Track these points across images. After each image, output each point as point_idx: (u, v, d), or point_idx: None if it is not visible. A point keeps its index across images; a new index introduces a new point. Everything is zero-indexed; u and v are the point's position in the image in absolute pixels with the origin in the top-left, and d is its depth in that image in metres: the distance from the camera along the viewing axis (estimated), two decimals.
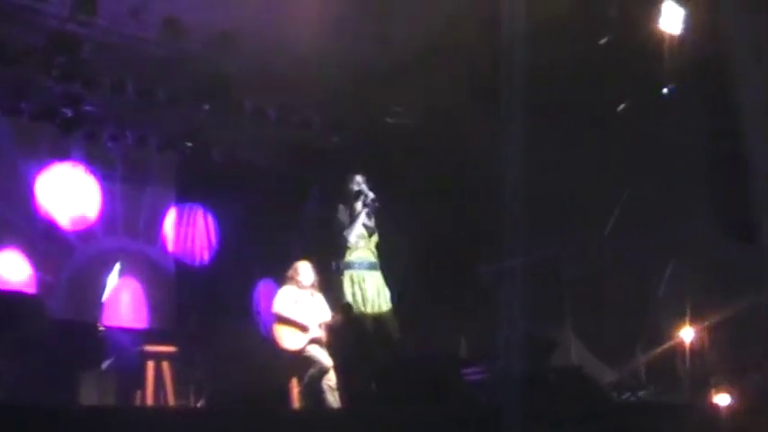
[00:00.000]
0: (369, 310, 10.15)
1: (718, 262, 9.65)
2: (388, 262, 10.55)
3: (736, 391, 8.61)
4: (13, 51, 10.93)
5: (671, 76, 10.03)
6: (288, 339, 10.17)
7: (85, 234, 12.90)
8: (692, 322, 9.78)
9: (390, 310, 10.25)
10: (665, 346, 10.03)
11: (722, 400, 8.55)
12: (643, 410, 8.59)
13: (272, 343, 10.33)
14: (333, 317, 10.27)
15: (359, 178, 10.50)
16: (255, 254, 13.31)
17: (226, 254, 13.94)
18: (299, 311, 10.25)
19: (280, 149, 13.79)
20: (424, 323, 11.43)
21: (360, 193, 10.38)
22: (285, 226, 13.31)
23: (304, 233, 13.04)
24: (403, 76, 11.91)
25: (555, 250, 10.83)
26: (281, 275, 10.81)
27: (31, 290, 11.84)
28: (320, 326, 10.24)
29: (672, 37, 9.94)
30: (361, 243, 10.30)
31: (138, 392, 10.61)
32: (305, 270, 10.55)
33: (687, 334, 9.82)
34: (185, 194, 13.96)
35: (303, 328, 10.16)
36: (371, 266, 10.29)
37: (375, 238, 10.43)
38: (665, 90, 10.12)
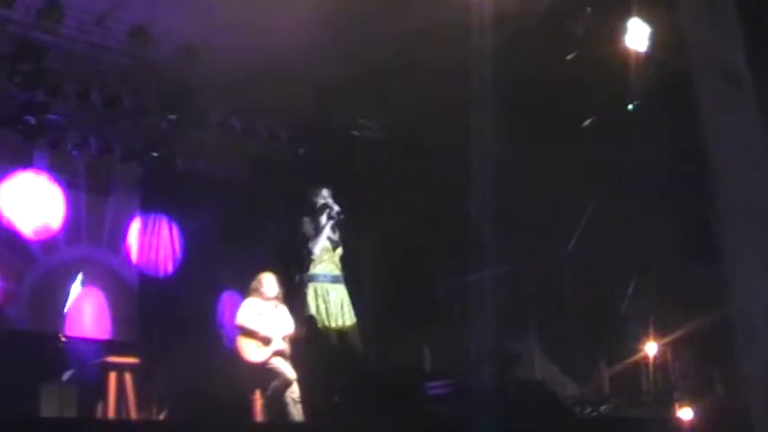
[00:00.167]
0: (332, 322, 10.12)
1: (680, 277, 9.71)
2: (352, 275, 10.53)
3: (698, 406, 8.65)
4: None
5: (636, 93, 10.09)
6: (251, 351, 10.13)
7: (48, 243, 12.77)
8: (656, 337, 9.83)
9: (354, 323, 10.23)
10: (629, 360, 10.07)
11: (685, 414, 8.58)
12: (606, 425, 8.62)
13: (235, 355, 10.27)
14: (296, 329, 10.23)
15: (324, 191, 10.48)
16: (220, 265, 13.24)
17: (190, 265, 13.85)
18: (262, 323, 10.21)
19: (245, 161, 13.76)
20: (387, 336, 11.42)
21: (325, 206, 10.36)
22: (250, 237, 13.27)
23: (268, 245, 12.98)
24: (368, 88, 11.92)
25: (519, 264, 10.86)
26: (245, 287, 10.76)
27: None
28: (284, 338, 10.21)
29: (637, 54, 10.01)
30: (325, 256, 10.28)
31: (100, 404, 10.48)
32: (269, 282, 10.51)
33: (650, 348, 9.87)
34: (150, 204, 13.88)
35: (267, 341, 10.12)
36: (335, 279, 10.27)
37: (339, 250, 10.42)
38: (629, 106, 10.19)
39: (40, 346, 10.79)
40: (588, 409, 9.40)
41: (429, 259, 12.00)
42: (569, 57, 10.46)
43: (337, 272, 10.34)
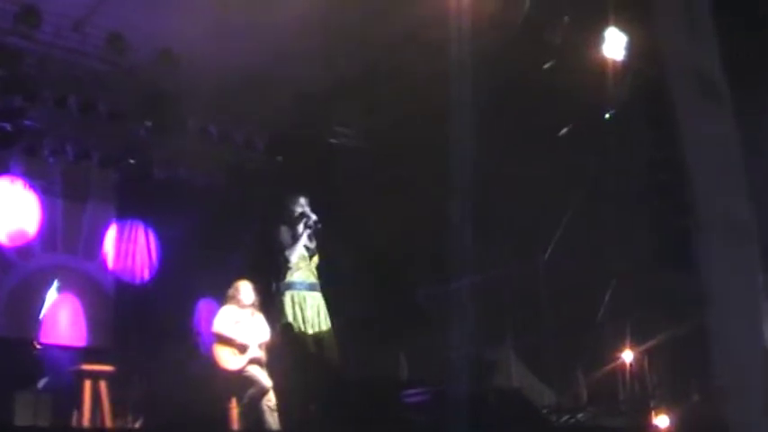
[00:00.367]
0: (309, 330, 10.09)
1: (657, 285, 9.75)
2: (329, 283, 10.51)
3: (675, 414, 8.68)
4: None
5: (613, 102, 10.14)
6: (228, 359, 10.08)
7: (24, 250, 12.69)
8: (632, 345, 9.86)
9: (330, 331, 10.20)
10: (606, 368, 10.10)
11: (662, 422, 8.61)
12: None
13: (211, 362, 10.23)
14: (273, 337, 10.20)
15: (302, 200, 10.45)
16: (196, 272, 13.19)
17: (166, 272, 13.79)
18: (239, 331, 10.17)
19: (222, 169, 13.73)
20: (364, 344, 11.41)
21: (302, 214, 10.33)
22: (226, 245, 13.23)
23: (245, 253, 12.94)
24: (346, 96, 11.92)
25: (496, 272, 10.88)
26: (221, 294, 10.73)
27: None
28: (260, 346, 10.17)
29: (615, 63, 10.06)
30: (302, 264, 10.24)
31: (75, 412, 10.41)
32: (246, 289, 10.48)
33: (627, 357, 9.90)
34: (126, 211, 13.80)
35: (243, 348, 10.08)
36: (312, 287, 10.24)
37: (316, 259, 10.40)
38: (607, 115, 10.23)
39: (15, 352, 10.72)
40: (565, 417, 9.42)
41: (407, 267, 12.01)
42: (547, 65, 10.49)
43: (314, 279, 10.31)
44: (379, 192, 12.35)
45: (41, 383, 10.32)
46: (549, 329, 10.44)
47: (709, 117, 4.80)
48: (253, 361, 10.06)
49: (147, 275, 13.84)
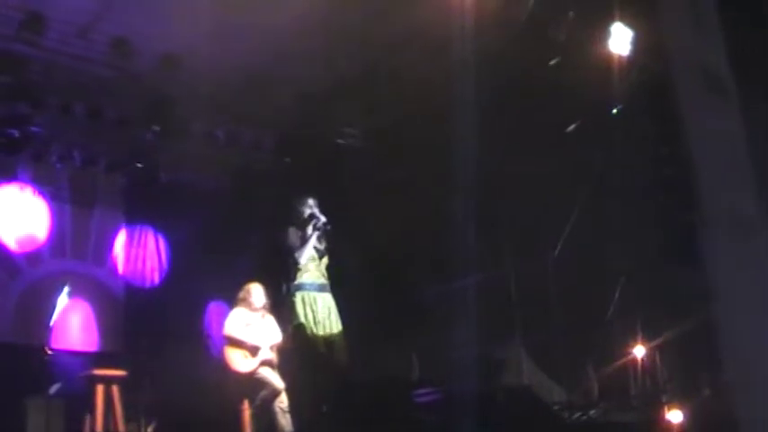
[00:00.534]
0: (320, 331, 10.07)
1: (666, 280, 9.73)
2: (338, 283, 10.51)
3: (687, 409, 8.65)
4: None
5: (618, 97, 10.11)
6: (239, 361, 10.11)
7: (33, 255, 12.73)
8: (642, 340, 9.84)
9: (341, 332, 10.20)
10: (616, 364, 10.08)
11: (674, 417, 8.59)
12: (595, 429, 8.62)
13: (223, 365, 10.25)
14: (285, 338, 10.21)
15: (310, 201, 10.44)
16: (206, 276, 13.19)
17: (176, 275, 13.81)
18: (250, 333, 10.20)
19: (229, 171, 13.74)
20: (374, 344, 11.41)
21: (311, 216, 10.32)
22: (235, 248, 13.23)
23: (254, 255, 12.94)
24: (350, 96, 11.92)
25: (504, 270, 10.87)
26: (231, 297, 10.75)
27: None
28: (271, 348, 10.20)
29: (620, 58, 10.03)
30: (311, 265, 10.24)
31: (88, 417, 10.46)
32: (256, 292, 10.51)
33: (637, 352, 9.88)
34: (135, 216, 13.83)
35: (254, 350, 10.11)
36: (322, 288, 10.23)
37: (325, 260, 10.39)
38: (613, 111, 10.20)
39: (27, 359, 10.74)
40: (576, 414, 9.40)
41: (415, 266, 12.00)
42: (552, 62, 10.47)
43: (324, 280, 10.30)
44: (385, 191, 12.34)
45: (53, 389, 10.32)
46: (559, 326, 10.43)
47: (714, 112, 4.78)
48: (264, 363, 10.08)
49: (156, 279, 13.87)
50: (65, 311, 11.49)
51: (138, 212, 13.73)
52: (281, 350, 10.24)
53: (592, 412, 9.47)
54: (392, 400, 8.02)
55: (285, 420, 9.86)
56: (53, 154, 12.58)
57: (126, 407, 10.71)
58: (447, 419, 7.77)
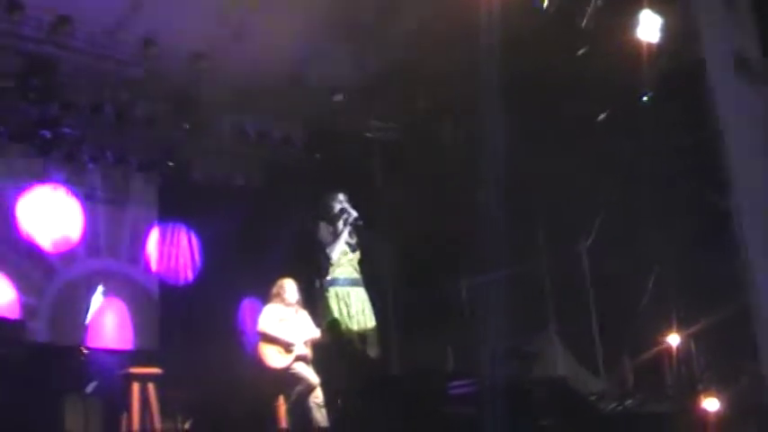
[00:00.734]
0: (354, 325, 10.13)
1: (700, 267, 9.64)
2: (370, 278, 10.52)
3: (724, 398, 8.58)
4: None
5: (648, 85, 10.02)
6: (274, 357, 10.15)
7: (68, 256, 12.80)
8: (678, 329, 9.77)
9: (374, 326, 10.22)
10: (651, 354, 10.01)
11: (711, 406, 8.51)
12: (631, 420, 8.57)
13: (257, 361, 10.28)
14: (321, 333, 10.23)
15: (341, 196, 10.46)
16: (239, 272, 13.23)
17: (210, 272, 13.85)
18: (284, 329, 10.23)
19: (260, 167, 13.76)
20: (407, 338, 11.40)
21: (342, 210, 10.34)
22: (268, 244, 13.24)
23: (287, 250, 12.96)
24: (381, 89, 11.89)
25: (538, 261, 10.83)
26: (265, 293, 10.77)
27: (14, 313, 11.75)
28: (305, 343, 10.22)
29: (650, 45, 9.93)
30: (343, 260, 10.26)
31: (124, 415, 10.52)
32: (290, 287, 10.53)
33: (673, 341, 9.81)
34: (168, 213, 13.88)
35: (289, 346, 10.14)
36: (355, 282, 10.26)
37: (357, 254, 10.40)
38: (643, 99, 10.11)
39: (63, 358, 10.81)
40: (613, 405, 9.35)
41: (447, 259, 11.96)
42: (581, 52, 10.40)
43: (356, 275, 10.33)
44: (416, 184, 12.32)
45: (90, 388, 10.39)
46: (593, 317, 10.38)
47: (745, 97, 4.75)
48: (299, 358, 10.11)
49: (190, 276, 13.93)
50: (100, 310, 11.56)
51: (170, 210, 13.78)
52: (315, 345, 10.26)
53: (627, 402, 9.41)
54: (427, 394, 8.02)
55: (320, 415, 9.89)
56: (85, 154, 12.65)
57: (162, 404, 10.76)
58: (482, 412, 7.75)
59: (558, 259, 10.81)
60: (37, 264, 12.43)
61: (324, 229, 10.33)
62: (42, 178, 12.63)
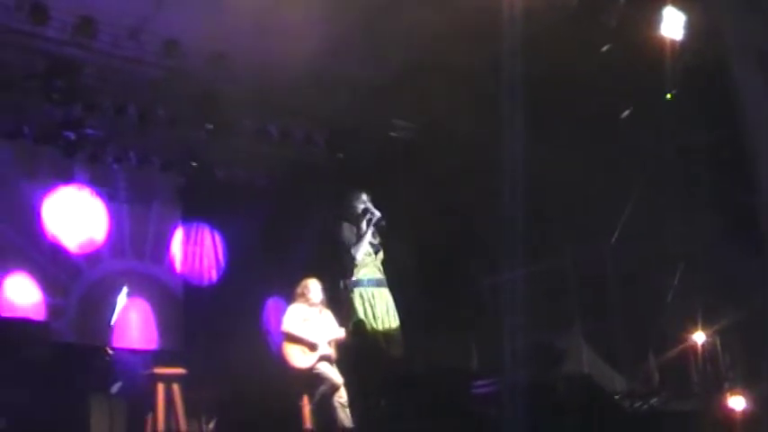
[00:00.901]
0: (379, 326, 10.10)
1: (726, 264, 9.59)
2: (394, 278, 10.50)
3: (750, 396, 8.53)
4: (13, 76, 10.95)
5: (672, 82, 9.97)
6: (298, 357, 10.16)
7: (93, 256, 12.89)
8: (703, 326, 9.72)
9: (399, 326, 10.20)
10: (677, 351, 9.96)
11: (737, 404, 8.46)
12: (657, 418, 8.53)
13: (282, 361, 10.29)
14: (346, 334, 10.23)
15: (364, 196, 10.44)
16: (263, 272, 13.27)
17: (234, 272, 13.91)
18: (308, 329, 10.24)
19: (283, 167, 13.78)
20: (431, 338, 11.38)
21: (366, 210, 10.32)
22: (291, 243, 13.26)
23: (310, 250, 12.97)
24: (403, 88, 11.87)
25: (561, 259, 10.80)
26: (289, 293, 10.79)
27: (40, 314, 11.83)
28: (329, 343, 10.22)
29: (673, 42, 9.89)
30: (367, 260, 10.24)
31: (150, 415, 10.56)
32: (314, 287, 10.55)
33: (698, 338, 9.76)
34: (191, 214, 13.95)
35: (313, 346, 10.15)
36: (379, 283, 10.24)
37: (381, 255, 10.38)
38: (667, 96, 10.06)
39: (88, 358, 10.86)
40: (638, 403, 9.30)
41: (471, 258, 11.94)
42: (604, 48, 10.36)
43: (380, 275, 10.31)
44: (439, 183, 12.29)
45: (115, 388, 10.45)
46: (619, 314, 10.34)
47: None
48: (323, 358, 10.12)
49: (214, 276, 13.98)
50: (125, 310, 11.65)
51: (194, 210, 13.85)
52: (339, 345, 10.26)
53: (653, 401, 9.37)
54: (451, 393, 8.00)
55: (345, 415, 9.90)
56: (109, 155, 12.74)
57: (187, 404, 10.80)
58: (507, 410, 7.73)
59: (582, 257, 10.76)
60: (62, 265, 12.52)
61: (347, 230, 10.31)
62: (67, 179, 12.72)
